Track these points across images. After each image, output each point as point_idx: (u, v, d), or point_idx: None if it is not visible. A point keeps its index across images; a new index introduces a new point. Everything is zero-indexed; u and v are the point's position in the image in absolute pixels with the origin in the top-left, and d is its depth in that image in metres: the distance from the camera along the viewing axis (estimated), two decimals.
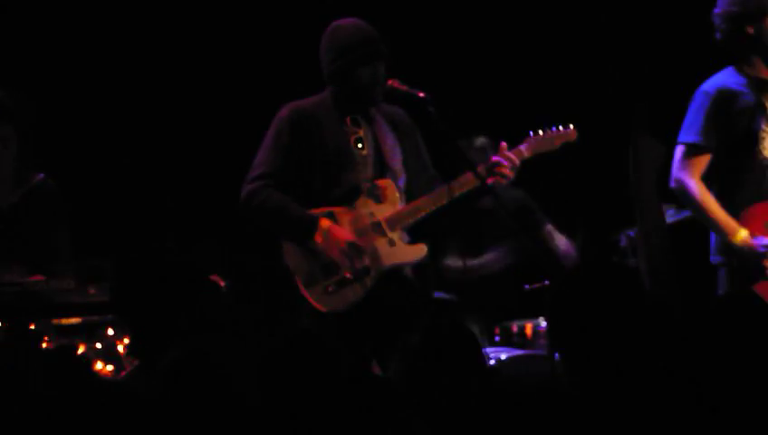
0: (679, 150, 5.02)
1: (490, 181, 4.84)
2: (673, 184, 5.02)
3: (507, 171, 4.84)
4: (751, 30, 4.87)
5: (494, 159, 4.85)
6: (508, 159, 4.83)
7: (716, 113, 4.94)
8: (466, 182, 4.87)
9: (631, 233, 5.96)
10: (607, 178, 6.54)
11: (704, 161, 4.99)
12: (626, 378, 3.31)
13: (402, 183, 4.99)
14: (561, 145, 4.99)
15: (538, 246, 6.12)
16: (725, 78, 4.99)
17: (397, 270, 4.90)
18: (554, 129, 4.97)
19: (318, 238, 4.83)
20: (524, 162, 4.94)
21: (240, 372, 3.25)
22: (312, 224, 4.83)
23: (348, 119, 4.98)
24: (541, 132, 4.98)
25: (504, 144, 4.88)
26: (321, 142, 4.92)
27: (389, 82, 4.88)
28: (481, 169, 4.83)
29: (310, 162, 4.91)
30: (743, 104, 4.92)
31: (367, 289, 4.83)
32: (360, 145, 4.97)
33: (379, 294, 4.86)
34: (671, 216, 5.74)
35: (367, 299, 4.85)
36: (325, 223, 4.83)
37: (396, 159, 4.99)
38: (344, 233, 4.83)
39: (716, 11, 4.96)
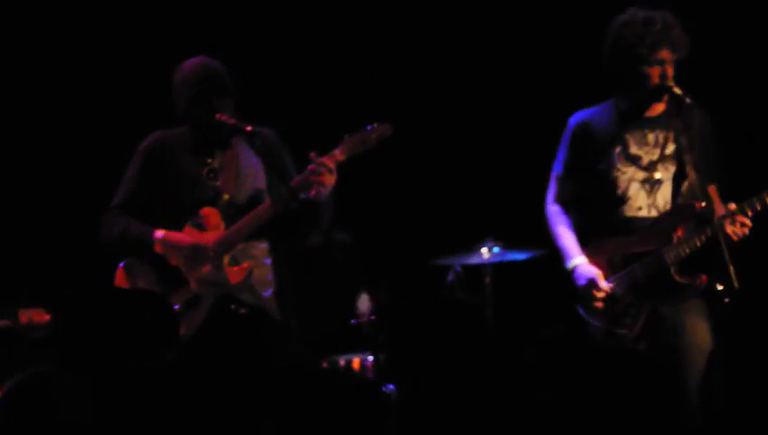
0: (551, 175, 5.19)
1: (312, 193, 4.84)
2: (544, 208, 5.18)
3: (324, 178, 4.84)
4: (622, 67, 4.96)
5: (309, 167, 4.85)
6: (322, 164, 4.83)
7: (576, 145, 5.08)
8: (286, 196, 4.88)
9: (458, 268, 6.02)
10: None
11: (563, 188, 5.14)
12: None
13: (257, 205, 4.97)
14: (377, 141, 4.99)
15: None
16: (593, 111, 5.12)
17: (235, 295, 4.88)
18: (369, 127, 4.99)
19: (157, 248, 4.87)
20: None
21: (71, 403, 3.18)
22: (148, 235, 4.89)
23: (204, 149, 5.02)
24: (355, 133, 5.00)
25: (312, 154, 4.88)
26: (174, 172, 4.97)
27: (216, 115, 4.89)
28: (297, 181, 4.83)
29: (161, 192, 4.96)
30: (603, 139, 5.03)
31: (206, 314, 4.82)
32: (210, 175, 5.00)
33: (215, 321, 4.84)
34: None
35: (206, 325, 4.83)
36: (160, 232, 4.88)
37: (254, 184, 5.00)
38: (182, 237, 4.88)
39: (607, 40, 5.06)
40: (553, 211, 5.17)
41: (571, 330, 5.01)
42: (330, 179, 4.83)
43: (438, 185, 6.73)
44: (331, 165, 4.83)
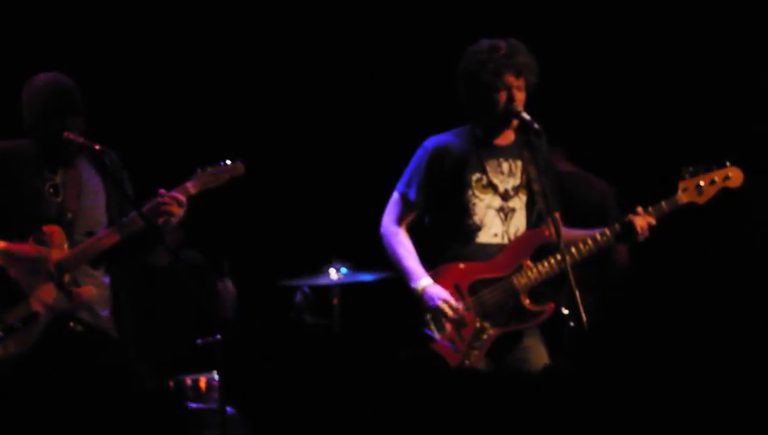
0: (394, 196, 5.15)
1: (160, 221, 4.82)
2: (381, 228, 5.13)
3: (173, 208, 4.82)
4: (471, 94, 4.97)
5: (159, 199, 4.83)
6: (172, 197, 4.81)
7: (433, 169, 5.01)
8: (134, 221, 4.84)
9: (306, 289, 6.04)
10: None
11: (410, 212, 5.06)
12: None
13: (98, 226, 4.90)
14: (229, 179, 4.99)
15: (210, 302, 6.13)
16: (449, 136, 5.07)
17: (74, 315, 4.80)
18: (222, 164, 4.98)
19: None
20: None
21: None
22: None
23: (47, 165, 4.91)
24: (208, 168, 4.98)
25: (161, 190, 4.86)
26: (15, 184, 4.84)
27: (65, 134, 4.82)
28: (147, 208, 4.80)
29: (6, 206, 4.83)
30: (460, 165, 5.00)
31: (42, 332, 4.73)
32: (52, 191, 4.90)
33: (51, 340, 4.76)
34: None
35: (41, 344, 4.74)
36: (1, 243, 4.76)
37: (95, 204, 4.93)
38: (25, 248, 4.78)
39: (458, 68, 5.04)
40: (396, 232, 5.07)
41: (419, 351, 5.02)
42: (180, 211, 4.82)
43: (287, 207, 6.73)
44: (182, 198, 4.83)
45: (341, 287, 6.04)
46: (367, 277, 5.97)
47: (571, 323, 4.66)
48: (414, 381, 4.64)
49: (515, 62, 4.89)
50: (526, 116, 4.86)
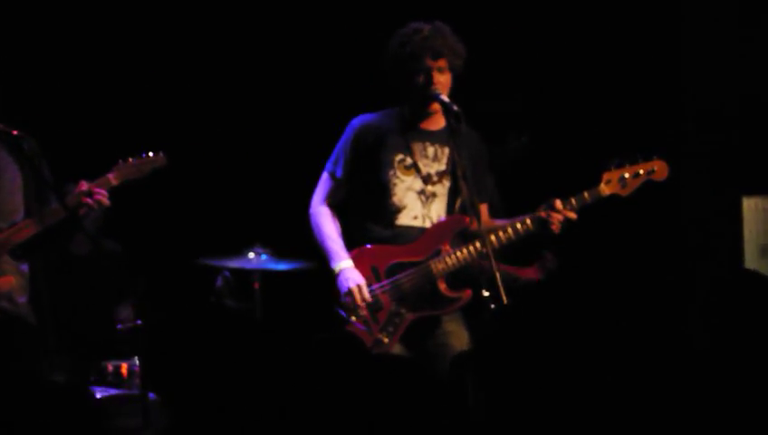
0: (323, 176, 5.14)
1: (82, 212, 4.79)
2: (309, 208, 5.14)
3: (96, 201, 4.81)
4: (395, 76, 5.01)
5: (80, 190, 4.80)
6: (94, 191, 4.80)
7: (358, 149, 5.05)
8: (55, 212, 4.80)
9: (227, 273, 6.04)
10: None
11: (337, 190, 5.11)
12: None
13: (16, 213, 4.86)
14: (151, 171, 4.98)
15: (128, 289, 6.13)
16: (377, 116, 5.11)
17: None
18: (144, 155, 4.96)
19: None
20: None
21: None
22: None
23: None
24: (130, 159, 4.96)
25: (83, 182, 4.83)
26: None
27: None
28: (70, 200, 4.77)
29: None
30: (385, 145, 5.03)
31: None
32: None
33: None
34: None
35: None
36: None
37: (11, 190, 4.88)
38: None
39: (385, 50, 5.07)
40: (321, 212, 5.11)
41: (339, 335, 5.04)
42: (102, 203, 4.80)
43: (209, 191, 6.72)
44: (104, 191, 4.80)
45: (262, 272, 6.04)
46: (285, 266, 5.98)
47: (492, 306, 4.69)
48: (330, 365, 4.66)
49: (434, 45, 4.91)
50: (445, 98, 4.89)
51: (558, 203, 4.92)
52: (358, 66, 6.28)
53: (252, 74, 6.78)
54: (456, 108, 4.85)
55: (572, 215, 4.94)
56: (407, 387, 4.89)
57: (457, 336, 5.01)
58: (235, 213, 6.64)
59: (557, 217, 4.91)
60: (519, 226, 4.92)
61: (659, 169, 5.06)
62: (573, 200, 4.95)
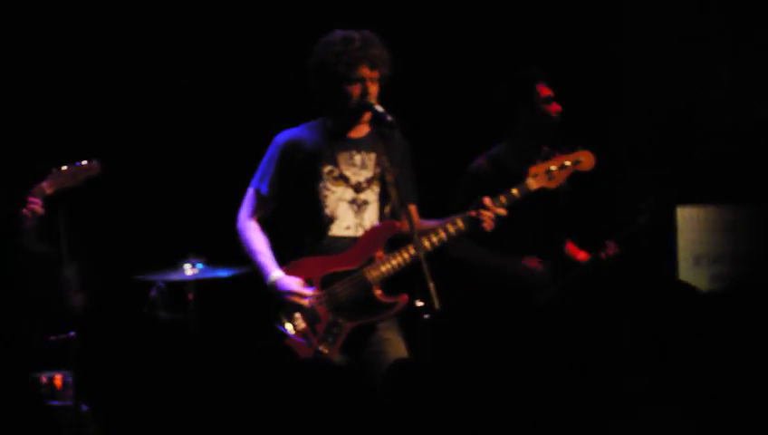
0: (249, 192, 5.13)
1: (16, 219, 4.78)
2: (237, 223, 5.12)
3: (33, 208, 4.78)
4: (324, 86, 5.00)
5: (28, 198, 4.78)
6: (30, 202, 4.78)
7: (285, 163, 5.05)
8: None
9: (161, 284, 6.00)
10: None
11: (264, 206, 5.10)
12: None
13: None
14: (85, 179, 4.95)
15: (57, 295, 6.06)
16: (301, 129, 5.11)
17: None
18: (78, 163, 4.92)
19: None
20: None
21: None
22: None
23: None
24: (64, 167, 4.92)
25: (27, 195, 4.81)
26: None
27: None
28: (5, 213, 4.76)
29: None
30: (312, 158, 5.03)
31: None
32: None
33: None
34: None
35: None
36: None
37: None
38: None
39: (311, 60, 5.07)
40: (250, 227, 5.11)
41: (274, 345, 5.02)
42: (37, 211, 4.77)
43: (142, 202, 6.66)
44: (38, 199, 4.77)
45: (197, 283, 6.01)
46: (223, 273, 5.95)
47: (426, 316, 4.70)
48: (267, 376, 4.65)
49: (370, 55, 4.93)
50: (380, 108, 4.91)
51: (487, 200, 4.92)
52: (285, 75, 6.27)
53: (181, 85, 6.74)
54: (389, 118, 4.87)
55: (502, 211, 4.94)
56: (343, 395, 4.89)
57: (393, 344, 5.01)
58: (167, 225, 6.60)
59: (487, 215, 4.90)
60: (450, 227, 4.93)
61: (585, 159, 5.08)
62: (502, 197, 4.96)
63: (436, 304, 4.54)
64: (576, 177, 5.21)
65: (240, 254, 5.24)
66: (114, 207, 6.60)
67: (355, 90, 4.94)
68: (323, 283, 4.99)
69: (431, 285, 4.59)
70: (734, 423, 2.73)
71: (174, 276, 5.96)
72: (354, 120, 5.02)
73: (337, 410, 4.52)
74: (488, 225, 4.91)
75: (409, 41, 5.93)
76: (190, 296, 6.00)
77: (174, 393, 5.84)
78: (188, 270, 5.95)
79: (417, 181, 5.19)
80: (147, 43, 6.72)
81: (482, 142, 5.85)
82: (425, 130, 5.95)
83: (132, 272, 6.00)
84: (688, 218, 6.16)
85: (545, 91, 5.56)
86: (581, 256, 5.65)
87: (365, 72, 4.93)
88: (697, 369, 3.17)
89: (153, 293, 6.02)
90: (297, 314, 4.94)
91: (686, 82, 6.24)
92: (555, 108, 5.55)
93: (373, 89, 4.95)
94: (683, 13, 6.59)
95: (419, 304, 4.74)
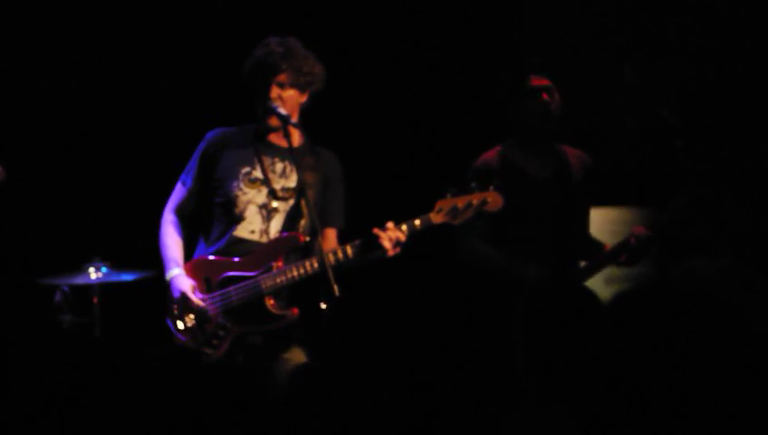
0: (177, 184, 5.14)
1: None
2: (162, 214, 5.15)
3: None
4: (252, 91, 5.01)
5: None
6: None
7: (207, 160, 5.09)
8: None
9: (66, 288, 5.95)
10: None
11: (188, 200, 5.12)
12: None
13: None
14: None
15: None
16: (232, 129, 5.13)
17: None
18: None
19: None
20: None
21: None
22: None
23: None
24: None
25: None
26: None
27: None
28: None
29: None
30: (233, 158, 5.06)
31: None
32: None
33: None
34: None
35: None
36: None
37: None
38: None
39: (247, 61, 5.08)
40: (169, 220, 5.14)
41: (168, 348, 5.01)
42: None
43: (44, 204, 6.60)
44: None
45: (101, 286, 5.97)
46: (127, 277, 5.92)
47: (324, 305, 4.71)
48: (164, 380, 4.64)
49: (276, 59, 4.96)
50: (282, 111, 4.93)
51: (390, 224, 4.92)
52: (205, 77, 6.26)
53: (84, 86, 6.67)
54: (293, 121, 4.90)
55: (401, 236, 4.92)
56: (235, 402, 4.89)
57: (293, 351, 5.02)
58: (71, 228, 6.54)
59: (386, 237, 4.90)
60: (349, 249, 4.93)
61: (492, 200, 5.02)
62: (404, 226, 4.95)
63: (336, 293, 4.59)
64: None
65: (145, 257, 5.23)
66: (17, 210, 6.52)
67: (270, 94, 4.97)
68: (220, 284, 4.99)
69: (335, 287, 4.62)
70: (622, 424, 2.77)
71: (78, 280, 5.92)
72: (266, 123, 5.05)
73: (228, 415, 4.52)
74: (389, 248, 4.91)
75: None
76: (95, 300, 5.97)
77: (77, 398, 5.79)
78: (93, 274, 5.91)
79: (345, 207, 5.22)
80: (48, 43, 6.64)
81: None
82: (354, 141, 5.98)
83: (36, 276, 5.94)
84: (600, 220, 6.21)
85: (536, 82, 5.47)
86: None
87: (282, 79, 4.97)
88: (588, 370, 3.21)
89: (57, 297, 5.97)
90: (188, 312, 4.94)
91: (588, 84, 6.30)
92: (546, 99, 5.44)
93: (286, 95, 4.99)
94: (583, 15, 6.67)
95: (323, 306, 4.75)
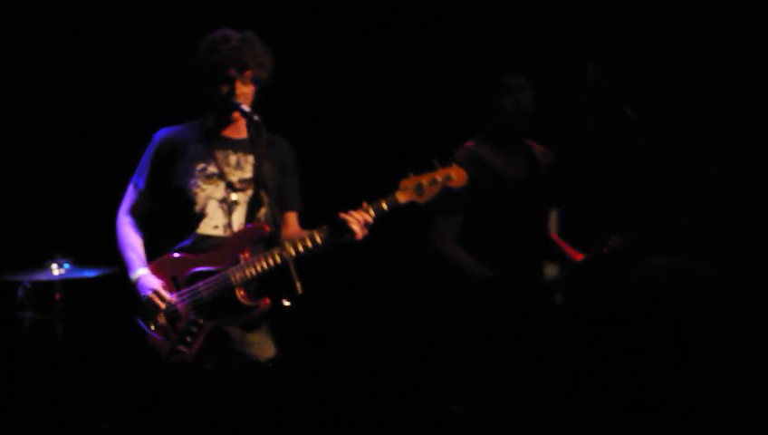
0: (129, 187, 5.12)
1: None
2: (116, 217, 5.11)
3: None
4: (199, 84, 5.01)
5: None
6: None
7: (160, 160, 5.06)
8: None
9: (27, 284, 5.92)
10: None
11: (141, 201, 5.10)
12: None
13: None
14: None
15: None
16: (181, 127, 5.11)
17: None
18: None
19: None
20: None
21: None
22: None
23: None
24: None
25: None
26: None
27: None
28: None
29: None
30: (187, 155, 5.04)
31: None
32: None
33: None
34: None
35: None
36: None
37: None
38: None
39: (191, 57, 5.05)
40: (125, 222, 5.12)
41: (133, 345, 5.00)
42: None
43: (6, 200, 6.56)
44: None
45: (64, 283, 5.94)
46: (90, 273, 5.90)
47: (287, 303, 4.71)
48: (130, 376, 4.62)
49: (241, 55, 4.94)
50: (246, 108, 4.92)
51: (353, 213, 4.92)
52: (165, 73, 6.23)
53: (44, 80, 6.63)
54: (256, 117, 4.88)
55: (368, 218, 4.91)
56: (203, 398, 4.89)
57: (261, 347, 5.02)
58: (33, 224, 6.51)
59: (354, 220, 4.88)
60: (317, 235, 4.92)
61: (456, 175, 5.02)
62: (371, 209, 4.95)
63: (299, 291, 4.59)
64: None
65: (107, 253, 5.22)
66: None
67: (223, 89, 4.95)
68: (188, 281, 4.99)
69: (298, 286, 4.62)
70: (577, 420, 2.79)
71: (40, 276, 5.89)
72: (225, 119, 5.04)
73: (196, 414, 4.51)
74: (357, 232, 4.90)
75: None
76: (57, 297, 5.95)
77: (40, 394, 5.78)
78: (55, 270, 5.89)
79: (302, 190, 5.20)
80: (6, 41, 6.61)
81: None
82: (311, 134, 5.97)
83: None
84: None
85: (510, 81, 5.48)
86: (579, 256, 5.60)
87: (234, 72, 4.94)
88: (542, 368, 3.23)
89: (19, 293, 5.94)
90: (159, 311, 4.92)
91: (551, 83, 6.31)
92: (520, 98, 5.47)
93: (243, 89, 4.96)
94: (546, 13, 6.68)
95: (287, 303, 4.74)
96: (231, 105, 4.95)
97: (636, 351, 2.80)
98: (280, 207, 5.02)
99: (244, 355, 4.98)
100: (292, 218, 5.15)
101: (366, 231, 4.91)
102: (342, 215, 4.89)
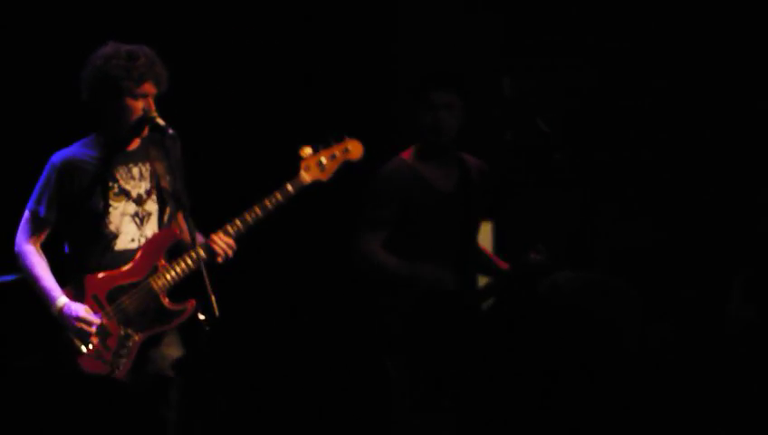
0: (26, 215, 5.01)
1: None
2: (15, 248, 5.02)
3: None
4: (105, 101, 4.94)
5: None
6: None
7: (63, 184, 4.96)
8: None
9: None
10: None
11: (42, 228, 4.98)
12: None
13: None
14: None
15: None
16: (76, 148, 5.02)
17: None
18: None
19: None
20: None
21: None
22: None
23: None
24: None
25: None
26: None
27: None
28: None
29: None
30: (91, 176, 4.97)
31: None
32: None
33: None
34: None
35: None
36: None
37: None
38: None
39: (82, 73, 4.97)
40: (29, 251, 5.00)
41: (49, 359, 4.96)
42: None
43: None
44: None
45: None
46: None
47: (207, 329, 4.70)
48: (35, 391, 4.59)
49: (155, 72, 4.94)
50: (161, 122, 4.92)
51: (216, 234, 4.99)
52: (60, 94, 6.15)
53: None
54: (171, 131, 4.89)
55: (231, 241, 4.98)
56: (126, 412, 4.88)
57: (174, 350, 5.03)
58: None
59: (214, 243, 4.95)
60: (230, 229, 4.98)
61: (353, 148, 5.18)
62: (278, 194, 5.03)
63: (216, 312, 4.59)
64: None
65: (6, 262, 5.13)
66: None
67: (138, 105, 4.94)
68: (110, 298, 4.94)
69: (212, 296, 4.63)
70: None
71: None
72: (135, 135, 5.01)
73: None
74: (220, 251, 4.98)
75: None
76: None
77: None
78: None
79: (188, 185, 5.19)
80: None
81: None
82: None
83: None
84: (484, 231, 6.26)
85: (436, 97, 5.52)
86: (505, 266, 5.65)
87: (149, 88, 4.93)
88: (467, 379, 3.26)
89: None
90: (89, 335, 4.89)
91: (467, 96, 6.35)
92: (439, 115, 5.50)
93: (153, 104, 4.97)
94: (462, 27, 6.73)
95: (201, 317, 4.74)
96: (147, 121, 4.94)
97: (546, 361, 2.85)
98: (175, 208, 5.04)
99: (165, 360, 4.98)
100: (180, 218, 5.16)
101: (230, 252, 4.97)
102: (212, 236, 4.96)
